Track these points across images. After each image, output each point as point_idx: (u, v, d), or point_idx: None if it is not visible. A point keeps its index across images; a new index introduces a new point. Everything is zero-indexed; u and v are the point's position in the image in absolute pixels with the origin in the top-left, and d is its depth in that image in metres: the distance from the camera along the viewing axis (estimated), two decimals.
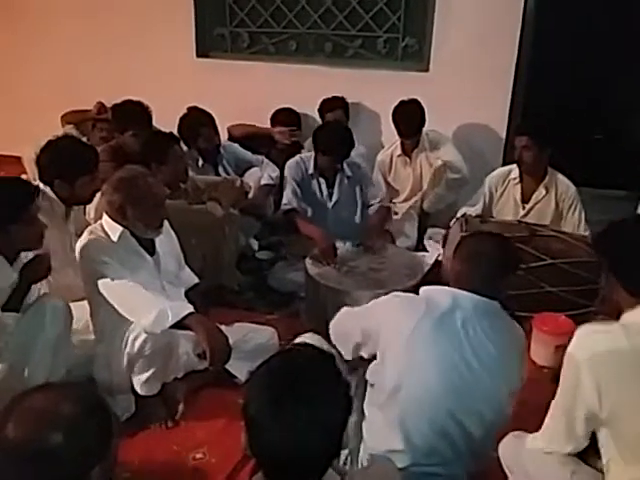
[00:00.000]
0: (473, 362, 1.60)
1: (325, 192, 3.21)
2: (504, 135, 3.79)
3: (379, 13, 3.87)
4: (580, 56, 4.00)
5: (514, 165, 3.10)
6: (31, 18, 4.53)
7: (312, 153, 3.19)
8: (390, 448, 1.64)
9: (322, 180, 3.19)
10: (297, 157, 3.28)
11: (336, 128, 3.12)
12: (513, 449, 1.69)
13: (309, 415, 1.09)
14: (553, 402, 1.56)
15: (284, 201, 3.16)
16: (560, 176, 3.02)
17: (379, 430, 1.69)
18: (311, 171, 3.18)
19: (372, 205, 3.23)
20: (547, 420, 1.58)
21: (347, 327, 1.86)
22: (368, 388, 1.81)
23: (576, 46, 3.97)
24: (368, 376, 1.77)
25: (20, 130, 4.21)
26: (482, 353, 1.61)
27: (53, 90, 4.54)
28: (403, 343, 1.63)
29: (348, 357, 1.84)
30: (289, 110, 3.90)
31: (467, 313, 1.63)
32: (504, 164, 3.69)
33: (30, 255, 2.15)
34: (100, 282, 2.10)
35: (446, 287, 1.73)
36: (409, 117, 3.45)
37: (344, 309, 1.97)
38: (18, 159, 3.97)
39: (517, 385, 1.70)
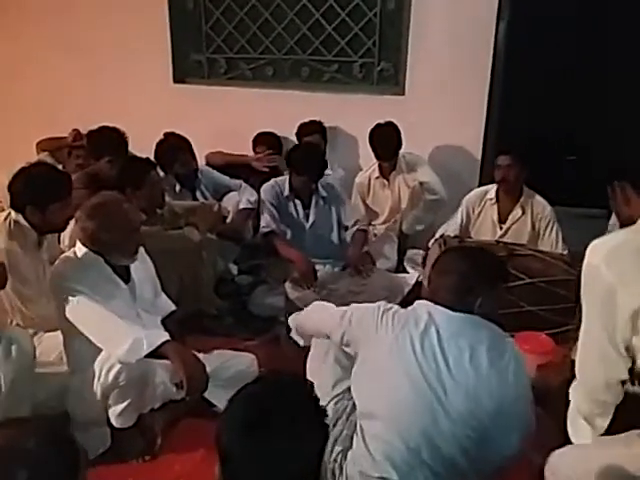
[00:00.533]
0: (448, 381, 1.55)
1: (302, 213, 3.23)
2: (479, 156, 3.82)
3: (354, 38, 3.90)
4: (552, 79, 4.09)
5: (491, 186, 3.13)
6: (4, 45, 4.50)
7: (286, 176, 3.21)
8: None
9: (298, 202, 3.22)
10: (272, 181, 3.30)
11: (308, 148, 3.19)
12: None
13: (284, 445, 1.06)
14: (582, 332, 1.55)
15: (262, 224, 3.17)
16: (537, 196, 3.06)
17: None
18: (287, 193, 3.21)
19: (348, 227, 3.24)
20: (580, 355, 1.57)
21: (319, 326, 1.89)
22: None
23: (548, 70, 4.06)
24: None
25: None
26: (458, 371, 1.55)
27: (28, 117, 4.49)
28: (381, 355, 1.62)
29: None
30: (270, 134, 3.91)
31: (442, 329, 1.60)
32: (480, 185, 3.72)
33: None
34: (72, 311, 2.05)
35: (423, 301, 1.70)
36: (386, 140, 3.47)
37: (316, 305, 1.99)
38: None
39: (510, 400, 1.59)
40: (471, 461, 1.57)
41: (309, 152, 3.11)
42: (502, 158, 2.99)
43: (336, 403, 1.79)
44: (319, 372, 1.87)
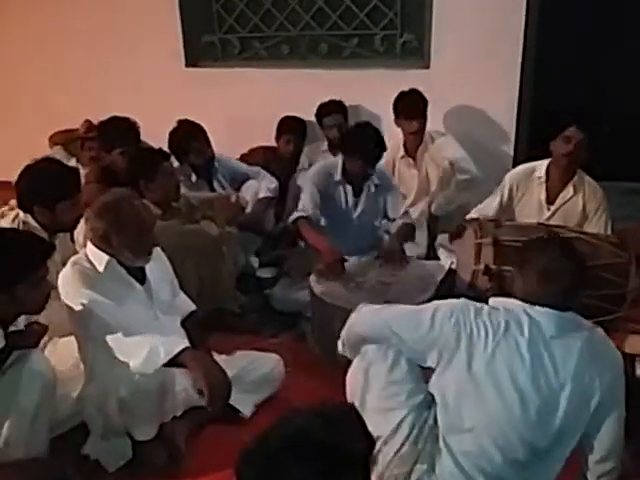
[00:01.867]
0: (555, 383, 1.51)
1: (351, 201, 2.98)
2: (513, 131, 3.59)
3: (374, 10, 3.70)
4: (588, 45, 3.82)
5: (538, 162, 2.89)
6: (14, 36, 4.37)
7: (337, 159, 2.97)
8: None
9: (349, 188, 2.95)
10: (322, 163, 3.07)
11: (367, 129, 2.87)
12: None
13: None
14: None
15: (300, 207, 2.91)
16: (587, 177, 2.82)
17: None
18: (338, 178, 2.93)
19: (395, 220, 3.01)
20: None
21: (383, 333, 1.69)
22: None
23: (583, 37, 3.79)
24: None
25: (8, 153, 4.05)
26: (566, 371, 1.52)
27: (39, 110, 4.39)
28: (480, 364, 1.52)
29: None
30: (295, 118, 3.77)
31: (547, 330, 1.54)
32: (515, 162, 3.49)
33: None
34: (84, 319, 1.95)
35: (516, 301, 1.61)
36: (411, 99, 3.34)
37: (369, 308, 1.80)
38: (8, 183, 3.81)
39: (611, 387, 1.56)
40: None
41: (367, 133, 2.82)
42: (573, 130, 2.71)
43: (415, 416, 1.61)
44: (384, 380, 1.66)
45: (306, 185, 2.96)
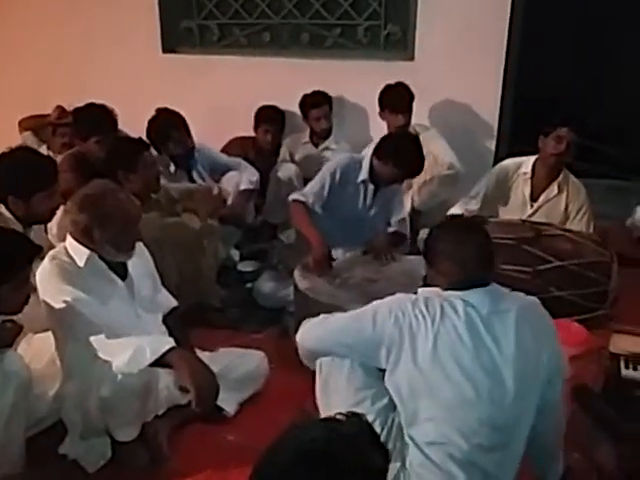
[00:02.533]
0: (500, 359, 1.51)
1: (368, 203, 2.88)
2: (496, 126, 3.59)
3: (358, 0, 3.63)
4: (574, 40, 3.84)
5: (525, 158, 2.91)
6: None
7: (363, 156, 2.84)
8: None
9: (371, 188, 2.83)
10: (349, 158, 2.91)
11: (412, 139, 2.75)
12: None
13: None
14: None
15: (305, 190, 2.79)
16: (572, 176, 2.85)
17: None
18: (363, 177, 2.79)
19: (391, 224, 2.95)
20: None
21: (340, 337, 1.68)
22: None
23: (569, 31, 3.81)
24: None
25: None
26: (507, 346, 1.52)
27: (10, 95, 4.22)
28: (425, 354, 1.51)
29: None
30: (273, 108, 3.69)
31: (482, 308, 1.53)
32: (496, 158, 3.50)
33: None
34: (64, 316, 1.87)
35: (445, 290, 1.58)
36: (398, 93, 3.30)
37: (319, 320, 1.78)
38: None
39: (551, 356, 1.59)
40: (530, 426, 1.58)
41: (413, 144, 2.68)
42: (564, 131, 2.74)
43: (381, 419, 1.62)
44: (346, 391, 1.66)
45: (324, 176, 2.81)
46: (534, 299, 1.64)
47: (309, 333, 1.79)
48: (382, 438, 1.54)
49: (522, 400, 1.53)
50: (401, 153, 2.65)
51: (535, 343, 1.54)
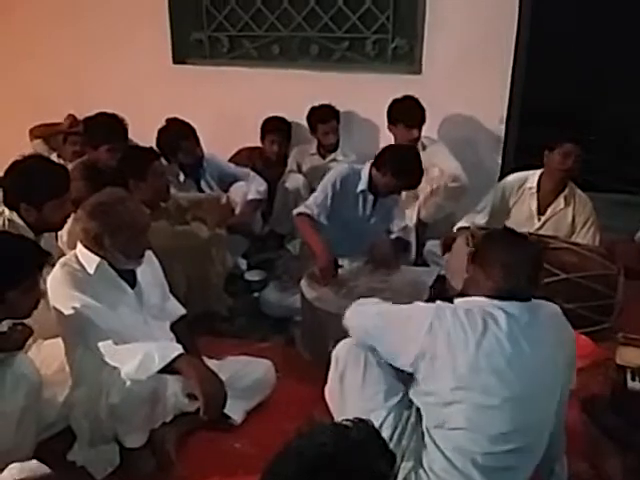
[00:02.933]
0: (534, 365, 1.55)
1: (368, 213, 2.92)
2: (502, 139, 3.61)
3: (367, 13, 3.67)
4: (580, 55, 3.86)
5: (530, 172, 2.92)
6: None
7: (363, 167, 2.86)
8: None
9: (370, 199, 2.88)
10: (350, 166, 2.94)
11: (413, 153, 2.80)
12: None
13: None
14: None
15: (308, 202, 2.82)
16: (577, 189, 2.86)
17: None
18: (362, 187, 2.82)
19: (392, 232, 2.97)
20: None
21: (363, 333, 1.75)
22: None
23: (575, 44, 3.83)
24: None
25: None
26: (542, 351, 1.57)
27: (22, 103, 4.26)
28: (464, 362, 1.53)
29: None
30: (280, 119, 3.72)
31: (521, 320, 1.56)
32: (502, 172, 3.51)
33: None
34: (74, 322, 1.89)
35: (485, 299, 1.60)
36: (411, 108, 3.29)
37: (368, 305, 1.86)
38: None
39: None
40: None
41: (414, 157, 2.73)
42: (571, 146, 2.75)
43: (395, 415, 1.64)
44: (360, 383, 1.71)
45: (326, 187, 2.84)
46: (556, 307, 1.68)
47: (352, 319, 1.83)
48: (395, 435, 1.59)
49: (548, 404, 1.59)
50: (400, 164, 2.69)
51: (559, 350, 1.61)
